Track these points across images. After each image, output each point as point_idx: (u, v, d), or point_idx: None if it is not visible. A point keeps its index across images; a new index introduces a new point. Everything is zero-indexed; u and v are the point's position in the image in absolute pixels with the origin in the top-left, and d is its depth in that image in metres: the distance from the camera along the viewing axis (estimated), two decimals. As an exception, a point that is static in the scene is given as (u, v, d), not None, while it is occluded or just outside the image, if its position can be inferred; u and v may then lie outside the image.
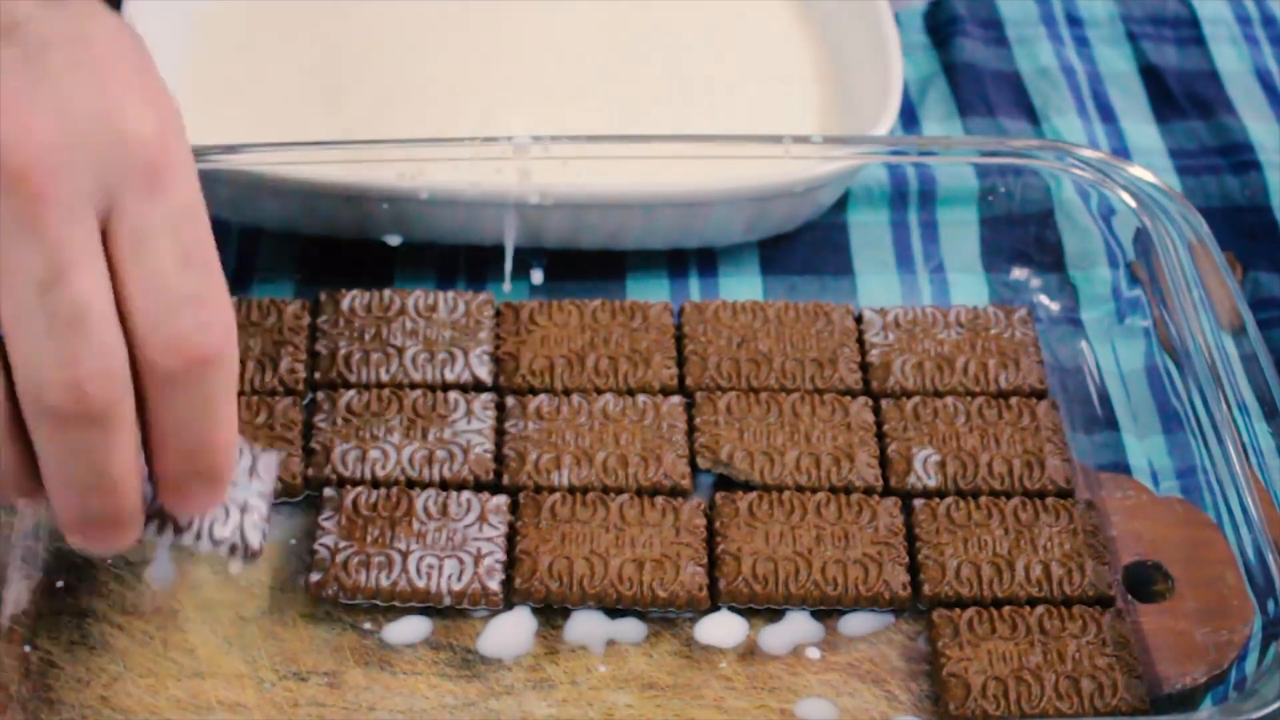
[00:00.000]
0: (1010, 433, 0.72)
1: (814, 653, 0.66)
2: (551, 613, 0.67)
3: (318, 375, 0.73)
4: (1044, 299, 0.79)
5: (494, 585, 0.66)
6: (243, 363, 0.73)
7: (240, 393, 0.72)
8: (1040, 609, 0.66)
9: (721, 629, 0.67)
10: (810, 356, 0.74)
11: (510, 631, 0.66)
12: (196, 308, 0.52)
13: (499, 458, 0.71)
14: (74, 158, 0.50)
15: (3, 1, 0.52)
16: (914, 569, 0.68)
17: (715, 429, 0.71)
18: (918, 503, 0.70)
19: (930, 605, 0.67)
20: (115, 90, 0.52)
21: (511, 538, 0.68)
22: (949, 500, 0.69)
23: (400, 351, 0.73)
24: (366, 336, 0.74)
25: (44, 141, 0.49)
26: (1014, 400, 0.73)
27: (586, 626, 0.67)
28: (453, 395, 0.72)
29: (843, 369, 0.74)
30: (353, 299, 0.75)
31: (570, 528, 0.68)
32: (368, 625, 0.67)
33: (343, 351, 0.73)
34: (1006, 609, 0.66)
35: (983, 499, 0.70)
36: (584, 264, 0.80)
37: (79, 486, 0.52)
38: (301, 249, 0.80)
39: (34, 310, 0.49)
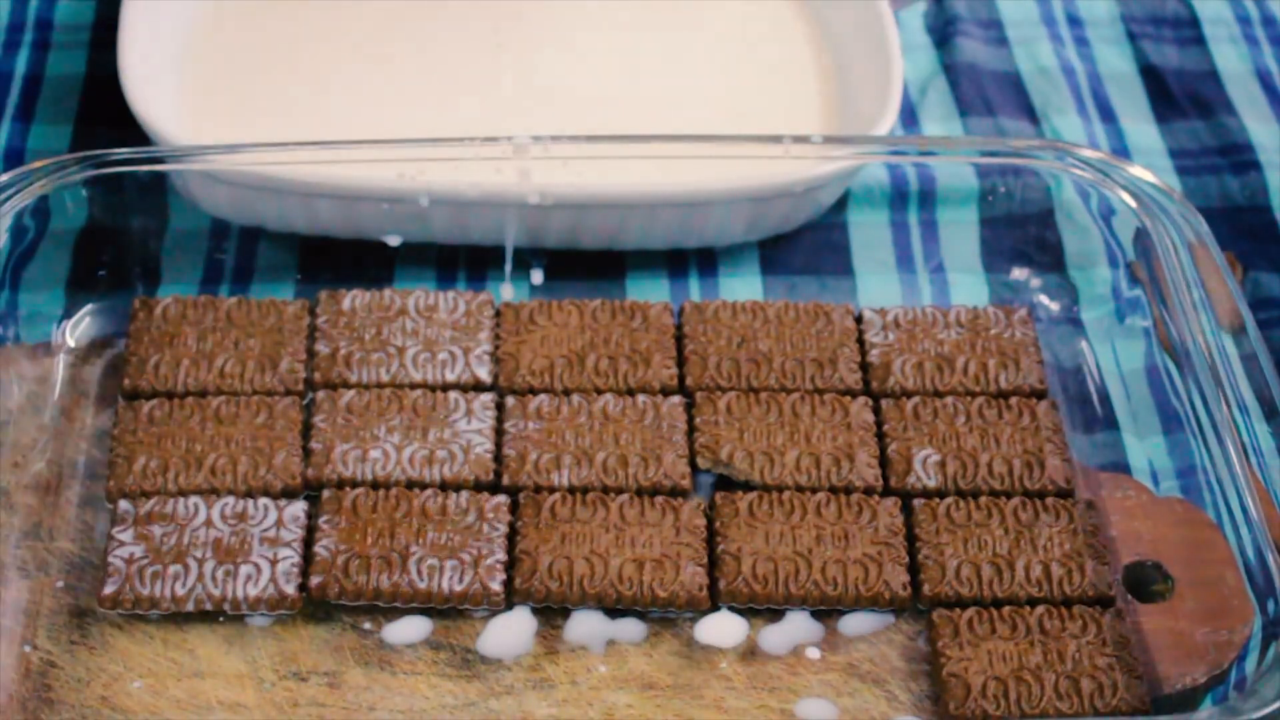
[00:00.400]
0: (1010, 433, 0.72)
1: (814, 653, 0.66)
2: (551, 613, 0.67)
3: (318, 375, 0.73)
4: (1044, 299, 0.79)
5: (495, 585, 0.66)
6: (243, 363, 0.73)
7: (240, 393, 0.72)
8: (1040, 609, 0.66)
9: (721, 629, 0.67)
10: (810, 356, 0.74)
11: (510, 631, 0.66)
12: None
13: (499, 458, 0.71)
14: None
15: None
16: (914, 569, 0.68)
17: (715, 429, 0.71)
18: (918, 503, 0.70)
19: (930, 605, 0.67)
20: None
21: (511, 538, 0.68)
22: (949, 500, 0.69)
23: (400, 351, 0.73)
24: (366, 336, 0.74)
25: None
26: (1014, 400, 0.73)
27: (586, 626, 0.67)
28: (453, 395, 0.72)
29: (843, 369, 0.74)
30: (353, 299, 0.75)
31: (570, 528, 0.68)
32: (368, 625, 0.67)
33: (343, 351, 0.73)
34: (1006, 609, 0.66)
35: (983, 499, 0.70)
36: (584, 264, 0.80)
37: None
38: (301, 249, 0.80)
39: None
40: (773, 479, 0.70)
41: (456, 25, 0.87)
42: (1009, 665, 0.65)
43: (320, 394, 0.72)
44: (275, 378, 0.73)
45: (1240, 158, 0.87)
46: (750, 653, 0.66)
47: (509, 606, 0.67)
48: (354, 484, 0.69)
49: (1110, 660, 0.65)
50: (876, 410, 0.73)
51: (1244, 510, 0.66)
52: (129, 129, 0.77)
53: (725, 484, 0.71)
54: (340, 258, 0.79)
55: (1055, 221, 0.81)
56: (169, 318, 0.74)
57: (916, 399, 0.73)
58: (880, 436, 0.72)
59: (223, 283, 0.80)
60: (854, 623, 0.67)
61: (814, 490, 0.70)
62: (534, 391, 0.73)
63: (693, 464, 0.71)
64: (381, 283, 0.79)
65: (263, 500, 0.69)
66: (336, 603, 0.67)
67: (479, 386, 0.73)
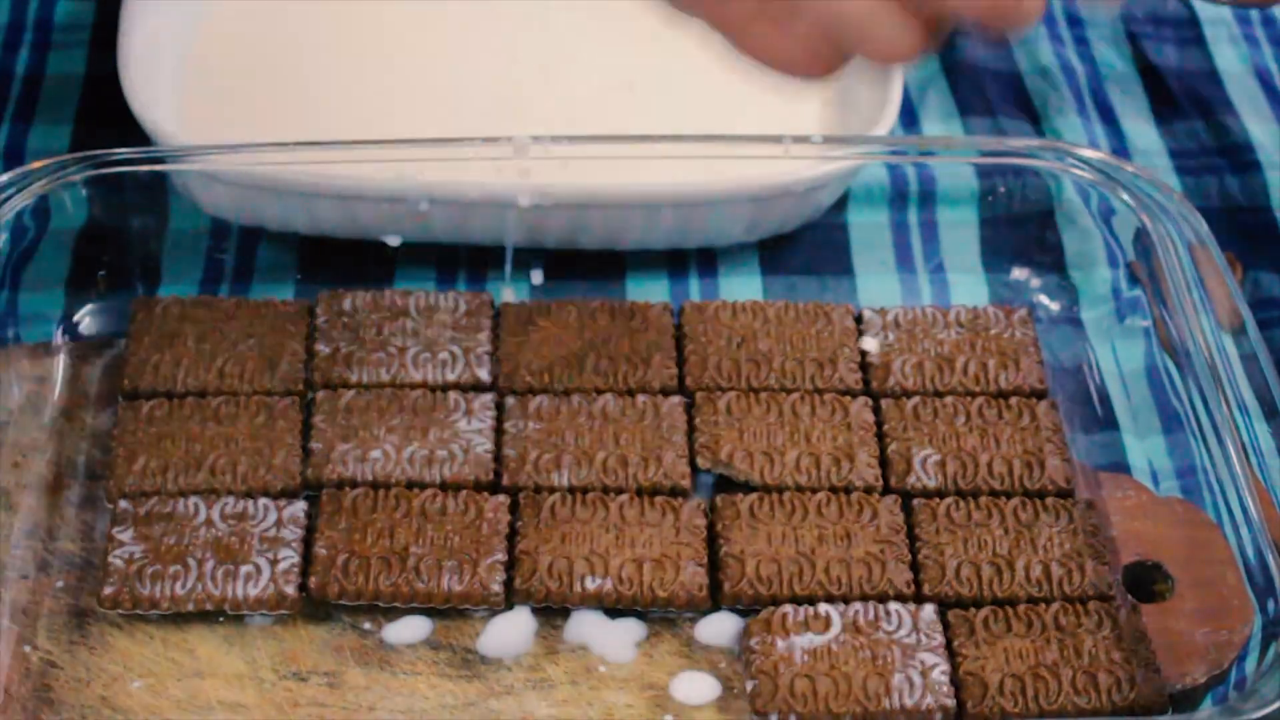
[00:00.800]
0: (1010, 433, 0.72)
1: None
2: (551, 613, 0.67)
3: (318, 375, 0.73)
4: (1044, 299, 0.79)
5: (495, 585, 0.66)
6: (242, 363, 0.73)
7: (240, 393, 0.72)
8: (1055, 605, 0.66)
9: (721, 629, 0.67)
10: (810, 356, 0.74)
11: (510, 631, 0.66)
12: None
13: (499, 458, 0.71)
14: None
15: None
16: (914, 568, 0.68)
17: (715, 429, 0.71)
18: (918, 503, 0.70)
19: (920, 601, 0.67)
20: None
21: (511, 538, 0.68)
22: (949, 500, 0.69)
23: (400, 351, 0.73)
24: (366, 336, 0.74)
25: None
26: (1014, 400, 0.73)
27: (586, 626, 0.67)
28: (453, 395, 0.72)
29: (843, 369, 0.74)
30: (353, 299, 0.75)
31: (570, 528, 0.68)
32: (368, 625, 0.67)
33: (343, 351, 0.73)
34: (1022, 607, 0.66)
35: (983, 499, 0.70)
36: (584, 264, 0.80)
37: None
38: (301, 249, 0.80)
39: None
40: (773, 479, 0.70)
41: (456, 25, 0.87)
42: (1025, 662, 0.65)
43: (320, 394, 0.72)
44: (275, 378, 0.73)
45: (1240, 158, 0.87)
46: (750, 653, 0.66)
47: (509, 606, 0.67)
48: (354, 484, 0.69)
49: (1126, 655, 0.65)
50: (876, 410, 0.73)
51: (1244, 510, 0.66)
52: (129, 129, 0.77)
53: (725, 484, 0.71)
54: (340, 258, 0.79)
55: (1055, 221, 0.80)
56: (169, 318, 0.74)
57: (916, 399, 0.73)
58: (880, 436, 0.72)
59: (223, 283, 0.80)
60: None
61: (814, 490, 0.70)
62: (534, 391, 0.73)
63: (693, 464, 0.71)
64: (381, 283, 0.79)
65: (263, 500, 0.69)
66: (336, 603, 0.67)
67: (479, 386, 0.73)
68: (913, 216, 0.83)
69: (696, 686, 0.65)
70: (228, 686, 0.65)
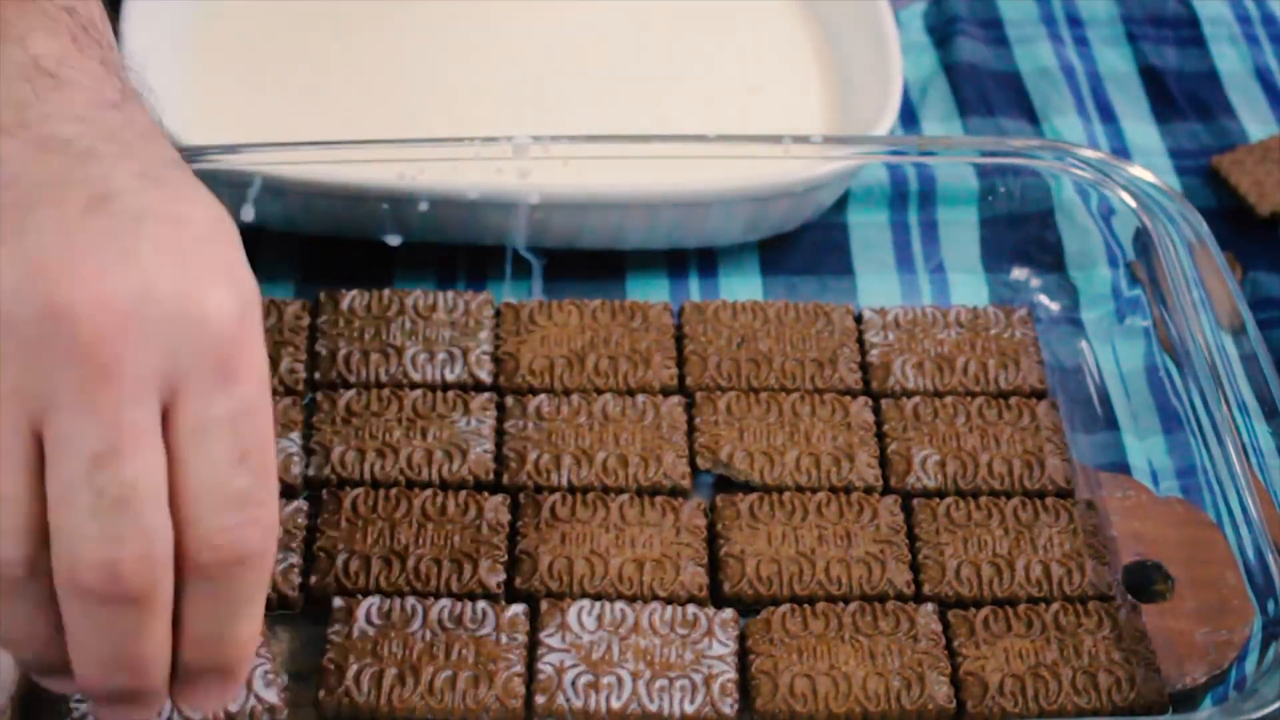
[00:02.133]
0: (1010, 433, 0.72)
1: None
2: (552, 613, 0.67)
3: (318, 375, 0.73)
4: (1044, 299, 0.79)
5: (494, 585, 0.66)
6: (243, 363, 0.73)
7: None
8: (1056, 605, 0.66)
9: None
10: (810, 356, 0.74)
11: (510, 631, 0.66)
12: (241, 507, 0.50)
13: (499, 458, 0.71)
14: (146, 335, 0.48)
15: (103, 171, 0.50)
16: (914, 568, 0.68)
17: (715, 429, 0.71)
18: (917, 503, 0.70)
19: (920, 601, 0.67)
20: (200, 274, 0.50)
21: (511, 538, 0.68)
22: (949, 500, 0.69)
23: (400, 351, 0.73)
24: (366, 336, 0.74)
25: (118, 315, 0.48)
26: (1014, 400, 0.73)
27: (586, 626, 0.66)
28: (452, 395, 0.72)
29: (843, 369, 0.74)
30: (353, 299, 0.75)
31: (570, 528, 0.68)
32: (368, 625, 0.67)
33: (343, 351, 0.73)
34: (1022, 607, 0.66)
35: (983, 499, 0.70)
36: (584, 264, 0.80)
37: (105, 663, 0.50)
38: (301, 249, 0.80)
39: (81, 485, 0.47)
40: (773, 479, 0.70)
41: (457, 25, 0.87)
42: (1025, 662, 0.65)
43: (320, 394, 0.72)
44: (275, 378, 0.73)
45: (1240, 158, 0.87)
46: (750, 653, 0.66)
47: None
48: (354, 484, 0.69)
49: (1126, 655, 0.65)
50: (876, 410, 0.73)
51: (1244, 510, 0.66)
52: (129, 129, 0.77)
53: (725, 484, 0.71)
54: (340, 258, 0.79)
55: (1055, 221, 0.80)
56: (169, 318, 0.74)
57: (916, 399, 0.73)
58: (880, 436, 0.72)
59: (223, 283, 0.79)
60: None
61: (814, 490, 0.70)
62: (534, 391, 0.73)
63: (693, 464, 0.71)
64: (381, 283, 0.79)
65: (263, 500, 0.69)
66: (336, 603, 0.67)
67: (479, 386, 0.73)
68: (913, 216, 0.83)
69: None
70: (228, 686, 0.64)
